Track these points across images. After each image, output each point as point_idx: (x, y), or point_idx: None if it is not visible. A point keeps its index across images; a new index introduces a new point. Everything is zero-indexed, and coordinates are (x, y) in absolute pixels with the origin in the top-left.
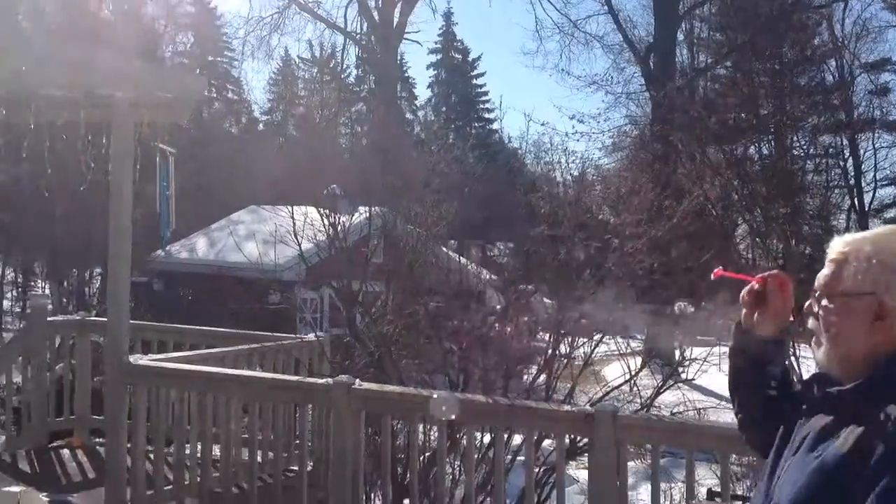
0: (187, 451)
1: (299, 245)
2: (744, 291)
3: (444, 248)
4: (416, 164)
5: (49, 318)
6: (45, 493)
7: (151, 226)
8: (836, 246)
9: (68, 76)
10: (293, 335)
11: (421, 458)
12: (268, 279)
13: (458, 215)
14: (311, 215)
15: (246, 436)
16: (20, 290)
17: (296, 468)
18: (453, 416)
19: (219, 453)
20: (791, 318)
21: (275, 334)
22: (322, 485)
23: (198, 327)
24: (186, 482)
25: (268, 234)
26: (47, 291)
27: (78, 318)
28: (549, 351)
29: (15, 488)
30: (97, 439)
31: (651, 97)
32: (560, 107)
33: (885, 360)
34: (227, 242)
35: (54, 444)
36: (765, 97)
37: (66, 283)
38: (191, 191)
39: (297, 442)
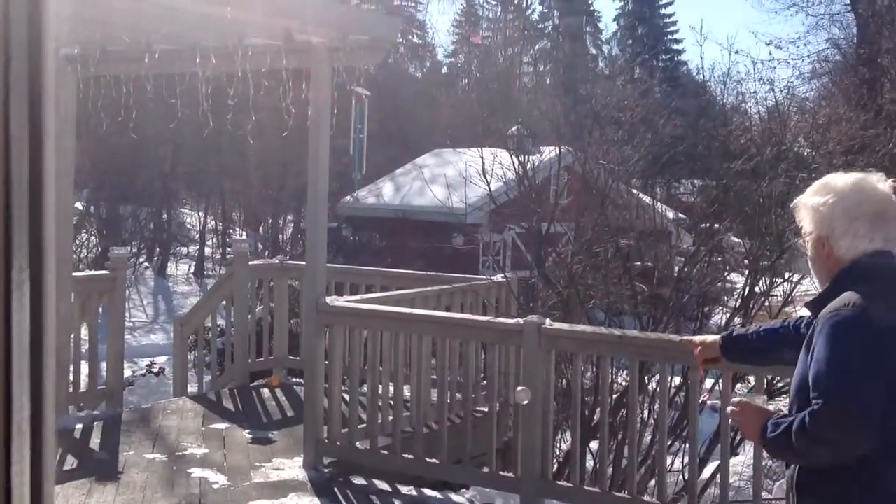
0: (380, 391)
1: (488, 184)
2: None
3: (631, 187)
4: (602, 101)
5: (250, 263)
6: (247, 430)
7: (339, 172)
8: (796, 205)
9: (270, 23)
10: (481, 276)
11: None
12: (452, 222)
13: (645, 152)
14: (497, 156)
15: (435, 377)
16: (220, 237)
17: (484, 409)
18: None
19: (409, 394)
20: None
21: (463, 275)
22: (510, 425)
23: (387, 269)
24: (379, 421)
25: (451, 178)
26: (244, 238)
27: (276, 261)
28: (746, 290)
29: (220, 425)
30: (294, 379)
31: (857, 17)
32: (756, 33)
33: (837, 275)
34: (412, 186)
35: (255, 383)
36: None
37: (261, 230)
38: (377, 136)
39: (485, 383)
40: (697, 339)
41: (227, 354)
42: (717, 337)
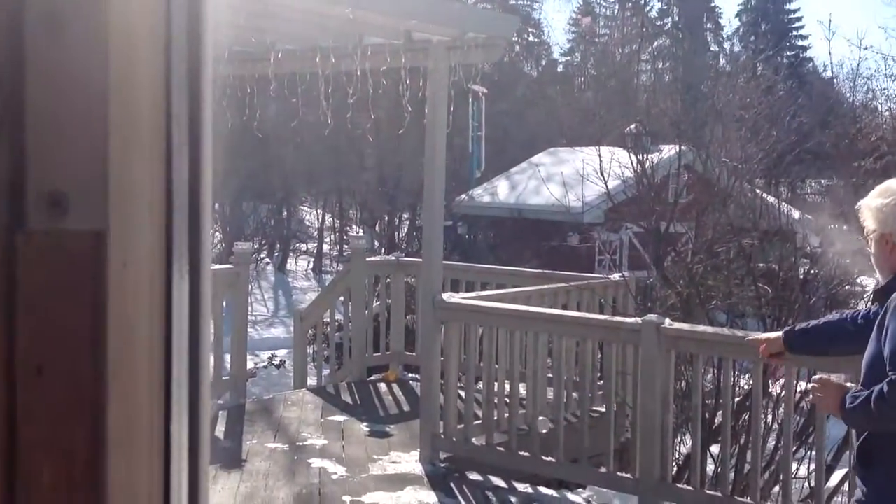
0: (496, 389)
1: (605, 182)
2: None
3: (754, 186)
4: (723, 98)
5: (367, 259)
6: (365, 423)
7: (455, 171)
8: (860, 207)
9: (389, 22)
10: (597, 275)
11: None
12: (568, 221)
13: (769, 150)
14: (614, 154)
15: (550, 375)
16: (338, 234)
17: (601, 408)
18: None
19: (525, 392)
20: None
21: (579, 274)
22: (627, 426)
23: (503, 267)
24: (495, 418)
25: (566, 176)
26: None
27: (393, 258)
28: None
29: (339, 417)
30: (410, 374)
31: None
32: (886, 28)
33: None
34: (527, 185)
35: (371, 377)
36: None
37: (377, 228)
38: (492, 135)
39: (602, 382)
40: (763, 336)
41: (345, 349)
42: (780, 333)
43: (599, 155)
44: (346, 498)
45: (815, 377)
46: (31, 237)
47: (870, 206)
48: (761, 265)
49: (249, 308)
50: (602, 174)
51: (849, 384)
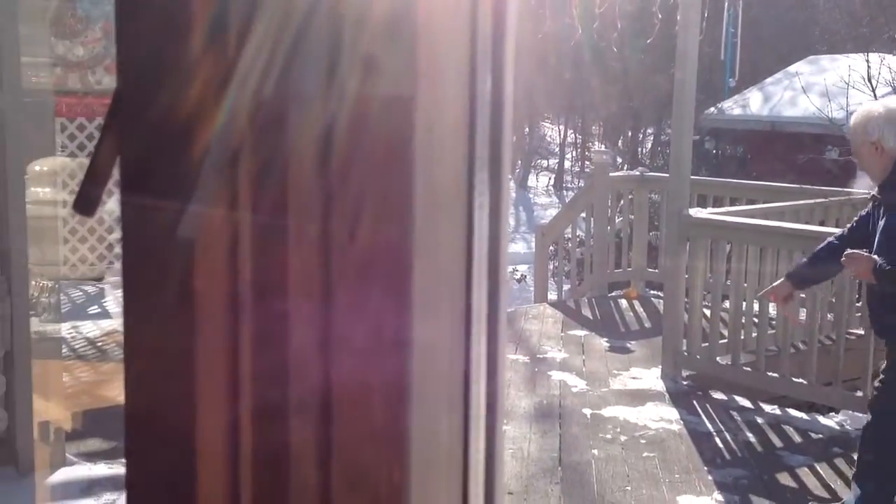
0: (744, 308)
1: (873, 90)
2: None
3: None
4: None
5: (610, 174)
6: (605, 338)
7: (703, 82)
8: (850, 125)
9: None
10: (860, 190)
11: None
12: (827, 133)
13: None
14: (884, 60)
15: (803, 295)
16: (579, 150)
17: (859, 331)
18: None
19: (775, 312)
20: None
21: (838, 189)
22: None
23: (754, 182)
24: (742, 338)
25: (828, 86)
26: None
27: (637, 173)
28: None
29: (579, 332)
30: (651, 291)
31: None
32: None
33: (890, 171)
34: (782, 97)
35: (612, 293)
36: None
37: (619, 143)
38: (746, 43)
39: (860, 304)
40: (768, 290)
41: (586, 264)
42: (783, 279)
43: (867, 61)
44: (587, 410)
45: (847, 252)
46: (344, 102)
47: (855, 127)
48: None
49: None
50: (869, 81)
51: (876, 258)
